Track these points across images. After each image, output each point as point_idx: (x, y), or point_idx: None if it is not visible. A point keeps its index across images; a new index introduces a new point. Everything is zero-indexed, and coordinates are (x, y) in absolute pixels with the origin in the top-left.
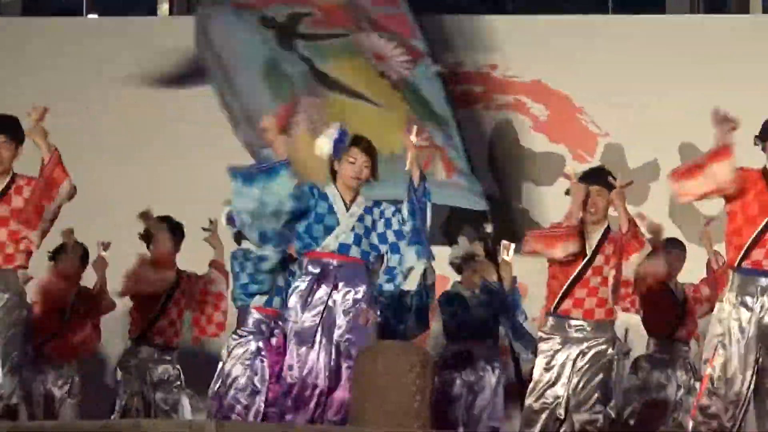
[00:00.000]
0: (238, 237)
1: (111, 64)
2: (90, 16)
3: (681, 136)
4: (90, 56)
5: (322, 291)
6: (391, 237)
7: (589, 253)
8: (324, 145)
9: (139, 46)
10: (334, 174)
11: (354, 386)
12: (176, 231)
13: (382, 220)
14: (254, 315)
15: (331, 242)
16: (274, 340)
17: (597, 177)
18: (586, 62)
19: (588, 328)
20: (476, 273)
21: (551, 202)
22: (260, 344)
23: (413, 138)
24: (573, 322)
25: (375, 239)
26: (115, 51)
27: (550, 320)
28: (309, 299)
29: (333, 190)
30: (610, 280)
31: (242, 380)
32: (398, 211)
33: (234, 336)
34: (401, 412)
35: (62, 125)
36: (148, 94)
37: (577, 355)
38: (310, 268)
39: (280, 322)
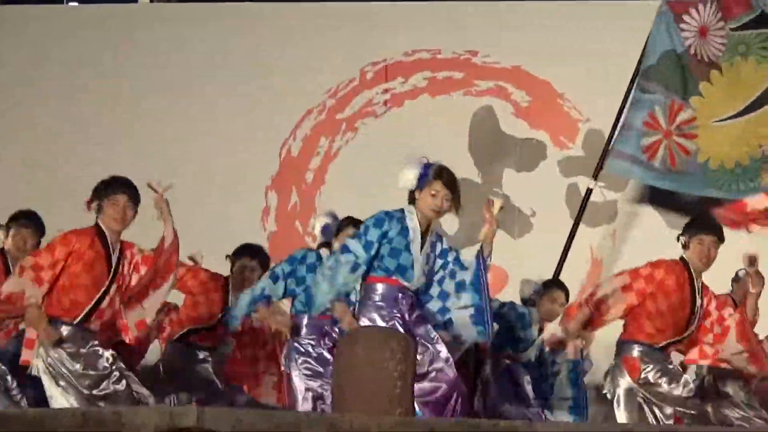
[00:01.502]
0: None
1: (92, 52)
2: (71, 3)
3: None
4: (71, 44)
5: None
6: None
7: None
8: (409, 176)
9: (120, 34)
10: (412, 200)
11: (335, 373)
12: None
13: (441, 260)
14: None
15: (404, 280)
16: None
17: (711, 227)
18: (567, 48)
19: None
20: None
21: (532, 188)
22: (322, 351)
23: (495, 210)
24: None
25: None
26: (96, 39)
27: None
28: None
29: (415, 223)
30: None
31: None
32: (457, 260)
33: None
34: (383, 398)
35: (46, 112)
36: (128, 83)
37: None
38: (387, 293)
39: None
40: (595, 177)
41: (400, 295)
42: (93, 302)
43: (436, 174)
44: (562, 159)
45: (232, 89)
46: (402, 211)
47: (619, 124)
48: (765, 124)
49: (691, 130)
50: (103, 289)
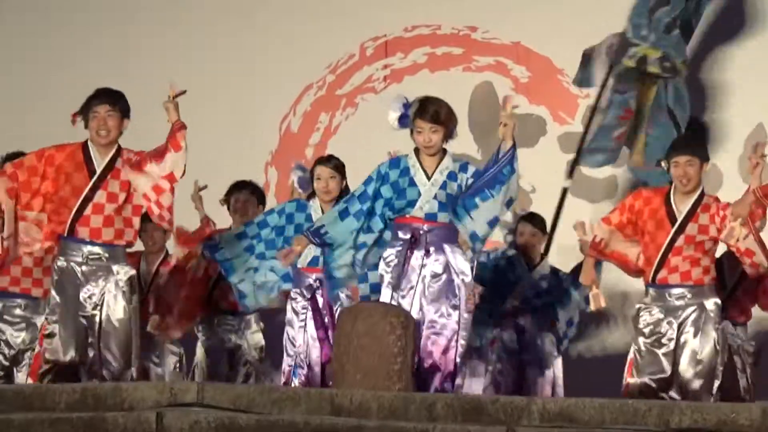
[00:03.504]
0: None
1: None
2: None
3: None
4: None
5: (416, 258)
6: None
7: (679, 219)
8: (392, 119)
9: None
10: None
11: (334, 347)
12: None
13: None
14: (302, 276)
15: (417, 212)
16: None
17: (681, 147)
18: (566, 23)
19: (688, 295)
20: None
21: (532, 164)
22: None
23: (509, 108)
24: (673, 291)
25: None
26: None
27: (650, 291)
28: (405, 267)
29: (413, 161)
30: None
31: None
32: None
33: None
34: (382, 373)
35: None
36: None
37: (681, 324)
38: (400, 234)
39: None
40: (570, 176)
41: (410, 231)
42: (74, 210)
43: (415, 113)
44: (561, 134)
45: (232, 65)
46: (406, 156)
47: (593, 127)
48: None
49: None
50: (83, 196)
